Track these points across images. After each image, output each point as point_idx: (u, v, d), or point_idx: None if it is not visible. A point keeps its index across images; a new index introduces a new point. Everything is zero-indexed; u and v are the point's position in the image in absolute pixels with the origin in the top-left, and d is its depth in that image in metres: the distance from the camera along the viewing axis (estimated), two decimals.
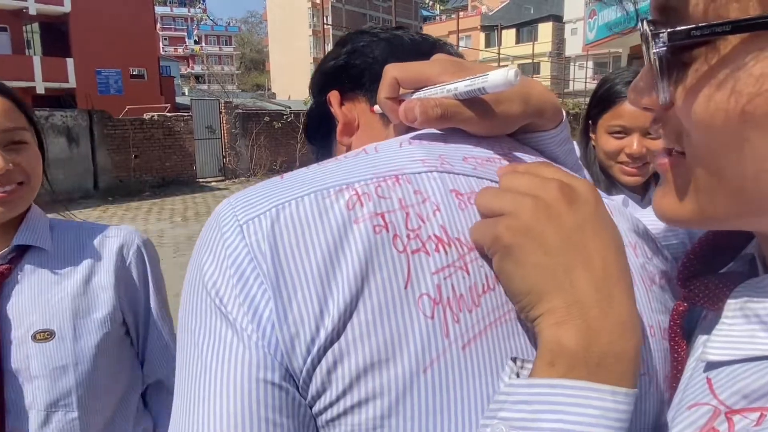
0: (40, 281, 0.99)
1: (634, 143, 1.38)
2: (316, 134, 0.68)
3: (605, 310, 0.36)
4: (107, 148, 12.08)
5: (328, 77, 0.64)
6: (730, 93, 0.33)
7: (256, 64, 65.14)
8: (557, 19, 35.44)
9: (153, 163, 12.76)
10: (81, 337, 0.99)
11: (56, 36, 22.14)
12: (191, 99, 16.02)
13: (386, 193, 0.40)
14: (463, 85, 0.45)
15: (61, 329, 0.97)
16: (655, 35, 0.35)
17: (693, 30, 0.33)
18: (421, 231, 0.39)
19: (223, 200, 0.42)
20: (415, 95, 0.50)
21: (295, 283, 0.37)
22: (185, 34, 62.68)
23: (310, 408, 0.37)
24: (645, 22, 0.36)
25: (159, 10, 54.01)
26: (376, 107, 0.55)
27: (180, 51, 60.98)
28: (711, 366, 0.40)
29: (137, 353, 1.13)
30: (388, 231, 0.38)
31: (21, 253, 1.01)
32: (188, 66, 61.07)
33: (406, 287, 0.37)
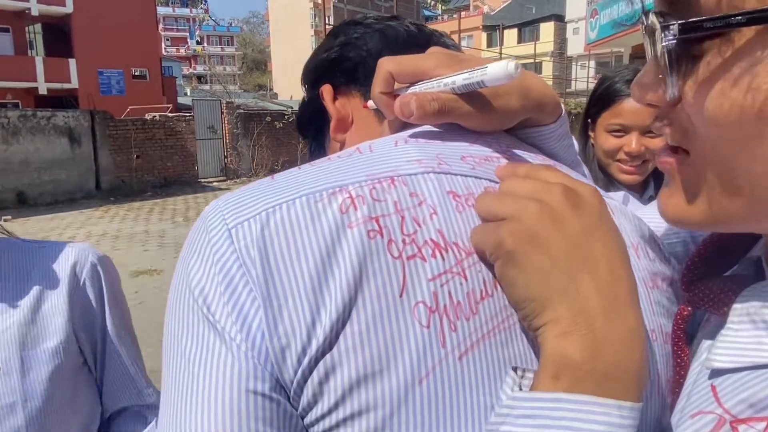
0: None
1: (632, 142, 1.39)
2: (309, 128, 0.66)
3: (611, 320, 0.35)
4: (109, 148, 12.10)
5: (321, 70, 0.62)
6: (746, 89, 0.31)
7: (258, 64, 65.18)
8: (559, 18, 35.40)
9: (155, 163, 12.78)
10: (30, 371, 0.87)
11: (58, 37, 22.18)
12: (193, 99, 16.05)
13: (381, 195, 0.39)
14: (461, 79, 0.44)
15: (6, 362, 0.86)
16: (665, 27, 0.33)
17: (706, 22, 0.31)
18: (417, 236, 0.38)
19: (211, 202, 0.41)
20: (411, 90, 0.48)
21: (286, 292, 0.35)
22: (187, 34, 62.77)
23: (302, 419, 0.36)
24: (652, 14, 0.34)
25: (161, 10, 54.09)
26: (370, 102, 0.53)
27: (182, 51, 61.06)
28: (716, 373, 0.39)
29: (96, 381, 1.01)
30: (382, 236, 0.37)
31: None
32: (190, 66, 61.15)
33: (401, 295, 0.36)
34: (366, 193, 0.39)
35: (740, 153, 0.33)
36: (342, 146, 0.58)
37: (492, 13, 41.94)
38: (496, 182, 0.43)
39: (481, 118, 0.46)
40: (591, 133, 1.51)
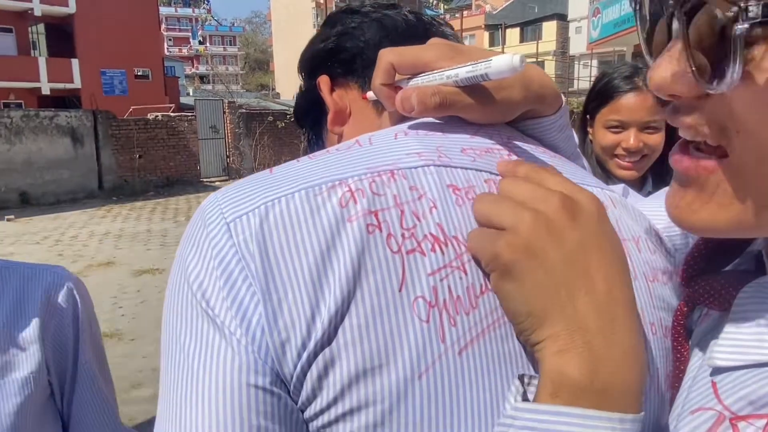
0: None
1: (630, 138, 1.39)
2: (307, 119, 0.65)
3: (609, 338, 0.35)
4: (112, 148, 12.12)
5: (317, 61, 0.60)
6: None
7: (260, 64, 65.21)
8: (561, 17, 35.32)
9: (157, 163, 12.80)
10: None
11: (61, 37, 22.22)
12: (195, 99, 16.06)
13: (380, 189, 0.38)
14: (464, 72, 0.43)
15: None
16: (742, 9, 0.28)
17: None
18: (417, 230, 0.38)
19: (209, 195, 0.40)
20: (412, 81, 0.47)
21: (285, 286, 0.35)
22: (189, 34, 62.83)
23: (302, 413, 0.36)
24: None
25: (163, 10, 54.09)
26: (369, 94, 0.52)
27: (184, 51, 61.11)
28: (717, 370, 0.38)
29: (61, 414, 0.93)
30: (381, 230, 0.37)
31: None
32: (193, 66, 61.19)
33: (400, 290, 0.36)
34: (365, 187, 0.38)
35: None
36: (340, 138, 0.57)
37: (494, 13, 41.86)
38: (497, 174, 0.43)
39: (483, 111, 0.46)
40: (589, 129, 1.52)
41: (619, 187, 1.40)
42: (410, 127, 0.46)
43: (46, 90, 21.45)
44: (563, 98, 0.53)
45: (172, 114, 14.22)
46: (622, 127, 1.41)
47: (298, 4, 40.88)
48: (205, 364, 0.35)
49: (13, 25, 21.72)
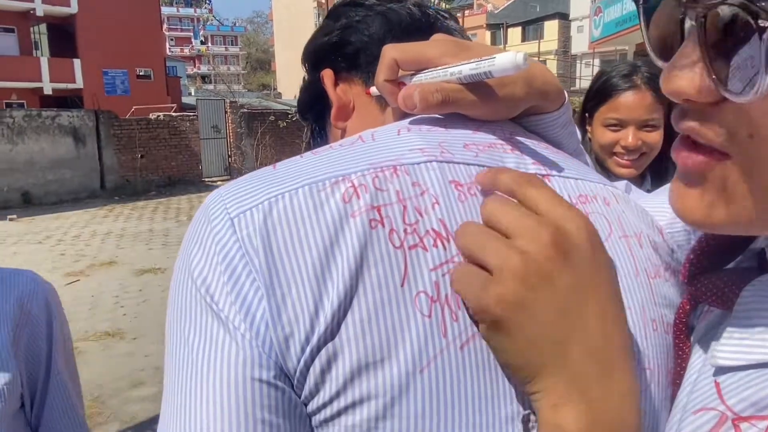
0: None
1: (629, 136, 1.40)
2: (310, 112, 0.65)
3: (605, 386, 0.34)
4: (114, 147, 12.14)
5: (321, 54, 0.59)
6: None
7: (262, 63, 65.25)
8: (563, 16, 35.29)
9: (159, 163, 12.82)
10: None
11: (63, 37, 22.26)
12: (197, 99, 16.07)
13: (383, 184, 0.39)
14: (467, 69, 0.43)
15: None
16: (764, 21, 0.27)
17: None
18: (419, 225, 0.38)
19: (213, 191, 0.41)
20: (416, 78, 0.47)
21: (289, 281, 0.35)
22: (191, 34, 62.88)
23: (305, 406, 0.36)
24: (740, 6, 0.29)
25: (165, 10, 54.17)
26: (373, 89, 0.52)
27: (186, 51, 61.17)
28: (720, 370, 0.38)
29: (29, 423, 0.89)
30: (384, 226, 0.37)
31: None
32: (194, 66, 61.25)
33: (402, 285, 0.36)
34: (368, 182, 0.38)
35: None
36: (343, 133, 0.57)
37: (496, 12, 41.83)
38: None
39: (486, 108, 0.46)
40: (588, 128, 1.52)
41: (622, 184, 1.40)
42: (413, 123, 0.46)
43: (48, 90, 21.49)
44: (566, 94, 0.52)
45: (173, 114, 14.24)
46: (620, 125, 1.41)
47: (300, 4, 40.90)
48: (210, 358, 0.35)
49: (15, 25, 21.76)
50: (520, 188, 0.38)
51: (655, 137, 1.41)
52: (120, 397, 3.49)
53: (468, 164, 0.42)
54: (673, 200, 0.38)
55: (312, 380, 0.35)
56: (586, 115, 1.52)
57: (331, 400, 0.35)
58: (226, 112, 13.68)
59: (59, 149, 11.40)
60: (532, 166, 0.45)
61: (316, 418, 0.36)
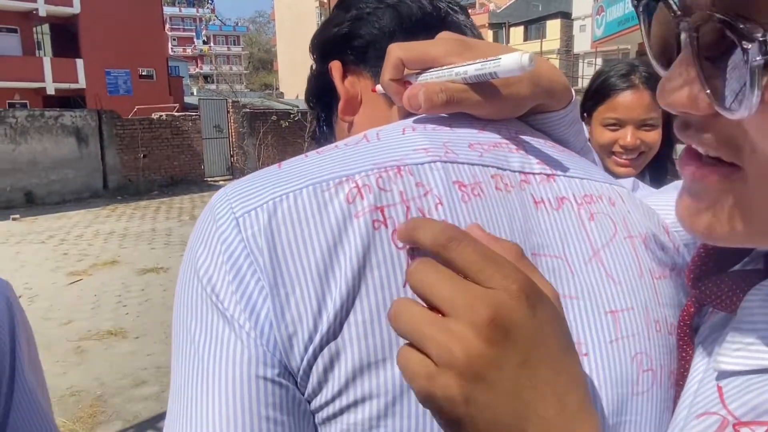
0: None
1: (628, 135, 1.40)
2: (318, 103, 0.64)
3: None
4: (116, 147, 12.17)
5: (330, 46, 0.58)
6: None
7: (264, 63, 65.35)
8: (565, 15, 35.25)
9: (161, 163, 12.85)
10: None
11: (66, 37, 22.32)
12: (199, 99, 16.10)
13: (387, 185, 0.39)
14: (472, 69, 0.43)
15: None
16: (754, 40, 0.27)
17: None
18: None
19: (219, 190, 0.41)
20: (421, 77, 0.47)
21: (293, 281, 0.36)
22: (194, 34, 62.99)
23: (309, 403, 0.36)
24: (729, 22, 0.28)
25: (167, 10, 54.26)
26: (378, 87, 0.51)
27: (189, 51, 61.28)
28: (722, 374, 0.38)
29: None
30: (387, 226, 0.37)
31: None
32: (197, 66, 61.37)
33: (404, 285, 0.36)
34: (372, 183, 0.39)
35: None
36: (350, 127, 0.56)
37: (498, 11, 41.80)
38: (504, 170, 0.43)
39: (491, 107, 0.46)
40: (587, 128, 1.53)
41: (629, 181, 1.40)
42: (418, 122, 0.46)
43: (51, 90, 21.56)
44: (573, 92, 0.52)
45: (176, 114, 14.27)
46: (619, 125, 1.42)
47: (302, 4, 40.93)
48: (215, 355, 0.36)
49: (17, 25, 21.83)
50: (444, 251, 0.33)
51: (654, 136, 1.41)
52: (123, 395, 3.50)
53: (472, 164, 0.42)
54: (678, 211, 0.37)
55: (315, 378, 0.35)
56: (585, 114, 1.53)
57: (333, 398, 0.35)
58: (228, 112, 13.70)
59: (62, 149, 11.42)
60: (536, 166, 0.45)
61: (320, 416, 0.36)
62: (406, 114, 0.49)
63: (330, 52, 0.58)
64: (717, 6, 0.28)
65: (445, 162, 0.41)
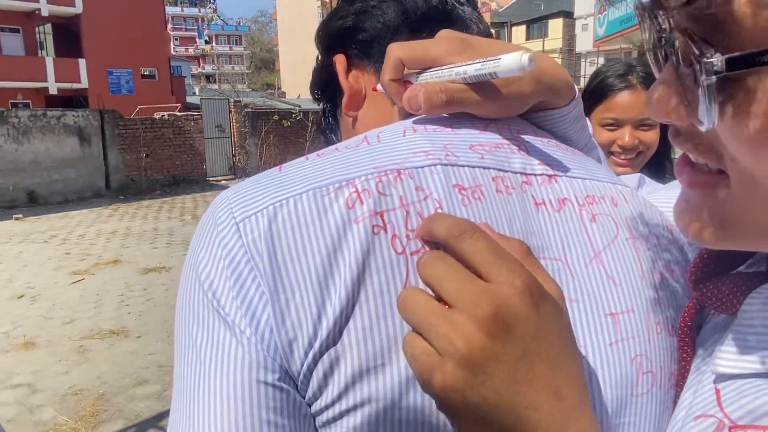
0: None
1: (626, 135, 1.40)
2: (322, 96, 0.63)
3: None
4: (118, 147, 12.18)
5: (334, 39, 0.57)
6: None
7: (266, 63, 65.36)
8: (568, 15, 35.17)
9: (163, 162, 12.86)
10: None
11: (68, 37, 22.36)
12: (201, 98, 16.11)
13: (387, 189, 0.39)
14: (472, 69, 0.43)
15: None
16: (706, 58, 0.28)
17: (759, 56, 0.27)
18: None
19: (220, 193, 0.41)
20: (422, 77, 0.47)
21: (293, 286, 0.36)
22: (196, 34, 63.02)
23: (309, 407, 0.36)
24: (686, 41, 0.29)
25: (169, 10, 54.31)
26: (379, 87, 0.51)
27: (191, 51, 61.32)
28: (721, 377, 0.38)
29: None
30: (386, 231, 0.37)
31: None
32: (199, 66, 61.41)
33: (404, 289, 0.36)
34: (372, 187, 0.39)
35: None
36: (354, 122, 0.56)
37: (500, 10, 41.75)
38: (505, 171, 0.43)
39: (492, 107, 0.45)
40: None
41: (635, 177, 1.39)
42: (419, 123, 0.46)
43: (53, 90, 21.59)
44: (576, 89, 0.51)
45: (178, 113, 14.28)
46: (616, 124, 1.42)
47: (304, 4, 40.93)
48: (217, 360, 0.36)
49: (20, 25, 21.87)
50: (455, 242, 0.35)
51: (652, 136, 1.42)
52: (125, 394, 3.50)
53: (473, 167, 0.42)
54: (675, 215, 0.38)
55: (315, 383, 0.36)
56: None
57: (333, 403, 0.36)
58: (230, 112, 13.71)
59: (64, 149, 11.44)
60: (538, 167, 0.45)
61: (320, 419, 0.36)
62: (407, 113, 0.49)
63: (334, 45, 0.57)
64: (677, 26, 0.30)
65: (446, 165, 0.41)
